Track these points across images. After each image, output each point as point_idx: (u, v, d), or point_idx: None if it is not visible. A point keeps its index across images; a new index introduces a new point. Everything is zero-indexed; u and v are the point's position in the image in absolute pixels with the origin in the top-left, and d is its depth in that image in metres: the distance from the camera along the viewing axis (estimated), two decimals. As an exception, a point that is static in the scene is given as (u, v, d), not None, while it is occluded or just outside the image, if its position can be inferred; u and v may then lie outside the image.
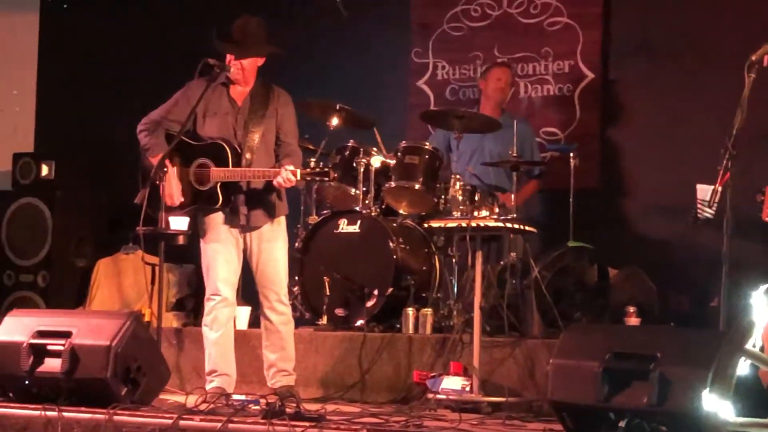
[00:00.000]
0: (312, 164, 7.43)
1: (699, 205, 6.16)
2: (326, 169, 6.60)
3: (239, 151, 6.61)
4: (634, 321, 7.33)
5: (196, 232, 6.80)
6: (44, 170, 9.50)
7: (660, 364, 4.90)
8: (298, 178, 6.49)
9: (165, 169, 6.53)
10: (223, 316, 6.65)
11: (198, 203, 6.67)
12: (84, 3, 10.34)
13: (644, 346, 5.05)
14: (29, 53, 10.47)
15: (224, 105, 6.73)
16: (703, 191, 6.14)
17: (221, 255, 6.64)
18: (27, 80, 10.49)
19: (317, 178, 6.63)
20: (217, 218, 6.66)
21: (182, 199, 6.63)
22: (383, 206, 7.79)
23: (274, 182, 6.50)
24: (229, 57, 6.67)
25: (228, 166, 6.58)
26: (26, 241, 9.42)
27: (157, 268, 7.08)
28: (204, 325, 6.69)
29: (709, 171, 5.95)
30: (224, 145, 6.61)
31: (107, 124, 9.84)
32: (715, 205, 5.94)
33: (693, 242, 7.78)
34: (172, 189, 6.62)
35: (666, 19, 8.50)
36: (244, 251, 6.71)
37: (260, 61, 6.72)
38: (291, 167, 6.49)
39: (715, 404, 4.78)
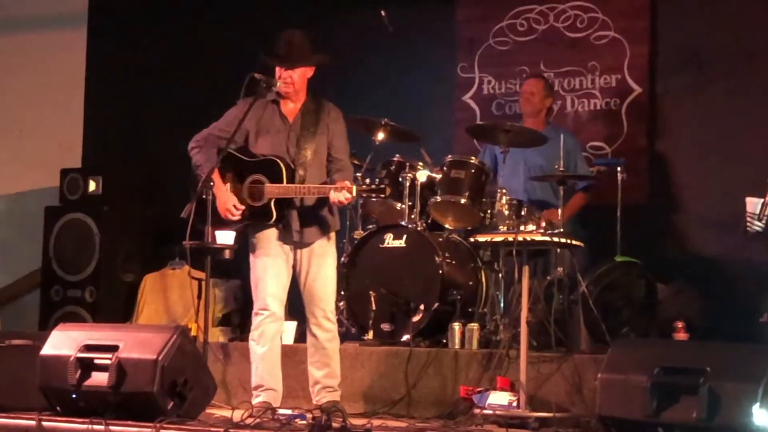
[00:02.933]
0: (359, 177, 7.43)
1: (748, 219, 6.13)
2: (382, 186, 6.58)
3: (293, 167, 6.63)
4: (682, 336, 7.27)
5: (242, 247, 6.82)
6: (92, 186, 9.57)
7: (709, 378, 4.88)
8: (354, 194, 6.49)
9: (211, 183, 6.55)
10: (270, 331, 6.65)
11: (251, 219, 6.68)
12: (131, 19, 10.40)
13: (693, 361, 5.03)
14: (77, 70, 10.55)
15: (276, 123, 6.74)
16: (753, 204, 6.11)
17: (271, 270, 6.65)
18: (75, 96, 10.56)
19: (373, 195, 6.61)
20: (270, 234, 6.66)
21: (242, 209, 6.63)
22: (429, 221, 7.78)
23: (331, 201, 6.51)
24: (279, 71, 6.69)
25: (282, 183, 6.60)
26: (74, 257, 9.48)
27: (203, 283, 7.11)
28: (251, 340, 6.70)
29: (758, 184, 5.92)
30: (278, 161, 6.62)
31: (154, 139, 9.91)
32: (765, 218, 5.91)
33: (742, 256, 7.73)
34: (227, 203, 6.64)
35: (713, 31, 8.45)
36: (294, 266, 6.71)
37: (309, 73, 6.73)
38: (347, 183, 6.50)
39: (766, 419, 4.74)
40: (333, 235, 6.78)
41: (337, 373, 6.76)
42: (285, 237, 6.66)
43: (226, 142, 6.64)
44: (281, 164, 6.61)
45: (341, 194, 6.46)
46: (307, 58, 6.69)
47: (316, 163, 6.69)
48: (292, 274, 6.72)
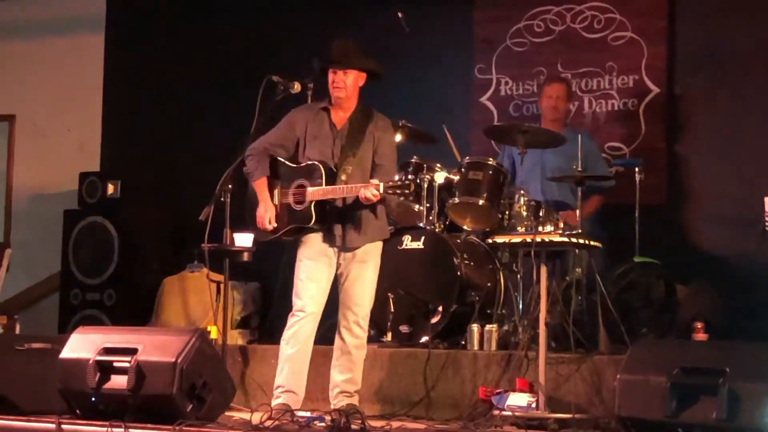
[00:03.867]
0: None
1: (767, 219, 6.11)
2: (407, 182, 6.55)
3: (334, 171, 6.66)
4: (701, 336, 7.25)
5: (260, 250, 6.83)
6: (110, 189, 9.60)
7: (729, 379, 4.86)
8: (381, 191, 6.49)
9: (229, 185, 6.57)
10: (303, 333, 6.66)
11: (295, 223, 6.72)
12: (148, 23, 10.43)
13: (712, 361, 5.01)
14: (95, 73, 10.58)
15: (324, 129, 6.79)
16: (772, 204, 6.09)
17: (313, 273, 6.67)
18: (93, 100, 10.59)
19: (398, 191, 6.58)
20: (316, 237, 6.71)
21: (275, 225, 6.70)
22: (447, 222, 7.78)
23: (360, 196, 6.52)
24: (331, 77, 6.72)
25: (322, 186, 6.63)
26: (92, 260, 9.51)
27: (222, 286, 7.11)
28: (282, 340, 6.70)
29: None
30: (320, 165, 6.67)
31: (172, 142, 9.93)
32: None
33: (761, 256, 7.70)
34: (266, 214, 6.70)
35: (732, 31, 8.42)
36: (336, 269, 6.74)
37: (361, 81, 6.78)
38: (375, 181, 6.51)
39: (786, 419, 4.73)
40: (379, 243, 6.80)
41: (357, 381, 6.76)
42: (329, 240, 6.69)
43: (284, 153, 6.76)
44: (322, 168, 6.66)
45: (369, 191, 6.47)
46: (362, 61, 6.75)
47: (360, 170, 6.71)
48: (333, 277, 6.74)
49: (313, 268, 6.68)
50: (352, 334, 6.71)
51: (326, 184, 6.63)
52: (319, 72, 6.83)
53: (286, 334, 6.69)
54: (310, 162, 6.74)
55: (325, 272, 6.70)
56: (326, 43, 6.82)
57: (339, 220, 6.67)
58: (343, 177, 6.66)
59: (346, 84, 6.73)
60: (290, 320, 6.69)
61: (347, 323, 6.71)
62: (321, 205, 6.65)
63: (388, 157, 6.82)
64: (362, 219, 6.69)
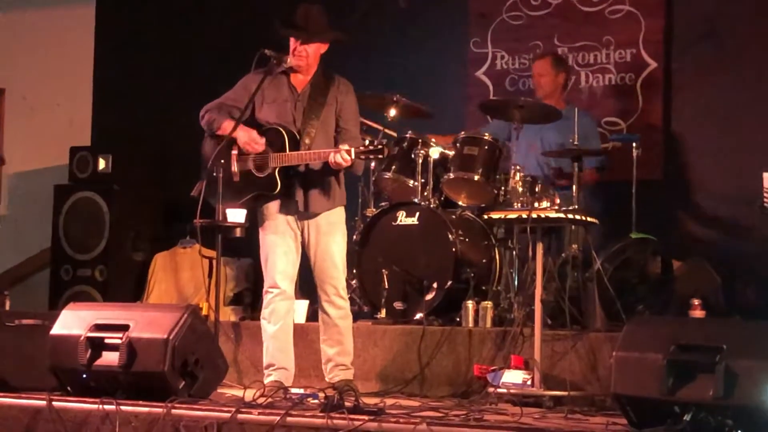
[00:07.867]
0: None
1: (765, 194, 6.11)
2: (380, 146, 6.51)
3: (298, 137, 6.63)
4: (698, 314, 7.25)
5: (253, 225, 6.82)
6: (101, 164, 9.58)
7: (726, 356, 4.85)
8: (353, 156, 6.47)
9: (221, 161, 6.56)
10: (281, 309, 6.68)
11: (257, 190, 6.69)
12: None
13: (709, 338, 5.00)
14: (85, 47, 10.55)
15: (284, 92, 6.75)
16: (770, 180, 6.08)
17: (279, 248, 6.67)
18: (84, 74, 10.57)
19: (371, 156, 6.55)
20: (276, 207, 6.68)
21: (263, 141, 6.65)
22: (442, 198, 7.78)
23: (330, 161, 6.49)
24: (293, 44, 6.68)
25: (286, 152, 6.60)
26: (84, 236, 9.50)
27: (214, 262, 7.11)
28: (262, 318, 6.73)
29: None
30: (282, 130, 6.64)
31: (164, 117, 9.90)
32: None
33: (759, 233, 7.71)
34: (251, 137, 6.65)
35: (731, 4, 8.40)
36: (302, 244, 6.73)
37: (323, 49, 6.74)
38: (345, 147, 6.49)
39: (783, 397, 4.73)
40: (340, 211, 6.78)
41: (349, 351, 6.78)
42: (289, 208, 6.67)
43: (239, 114, 6.65)
44: (285, 134, 6.63)
45: (340, 155, 6.45)
46: (324, 32, 6.71)
47: (323, 133, 6.69)
48: (301, 251, 6.74)
49: (281, 243, 6.68)
50: (334, 306, 6.73)
51: (290, 150, 6.61)
52: (280, 35, 6.75)
53: (265, 312, 6.72)
54: (271, 126, 6.70)
55: (292, 246, 6.70)
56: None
57: (302, 186, 6.65)
58: (307, 141, 6.64)
59: (308, 53, 6.69)
60: (265, 298, 6.73)
61: (328, 297, 6.73)
62: (284, 171, 6.63)
63: (352, 121, 6.81)
64: (325, 184, 6.67)
